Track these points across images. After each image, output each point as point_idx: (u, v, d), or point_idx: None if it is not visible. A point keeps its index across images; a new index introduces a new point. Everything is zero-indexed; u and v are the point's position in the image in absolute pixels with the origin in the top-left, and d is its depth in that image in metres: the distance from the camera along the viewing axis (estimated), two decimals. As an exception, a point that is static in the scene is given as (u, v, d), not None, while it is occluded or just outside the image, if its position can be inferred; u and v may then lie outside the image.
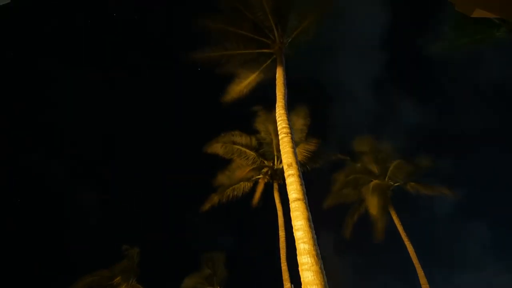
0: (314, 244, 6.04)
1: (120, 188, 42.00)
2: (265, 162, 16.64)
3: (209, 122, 38.52)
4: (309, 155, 15.68)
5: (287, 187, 7.18)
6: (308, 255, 5.84)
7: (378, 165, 18.48)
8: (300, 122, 15.73)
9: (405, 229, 16.91)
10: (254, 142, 16.49)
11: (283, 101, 9.22)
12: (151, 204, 41.50)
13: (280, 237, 14.67)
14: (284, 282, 13.68)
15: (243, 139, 16.31)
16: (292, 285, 13.45)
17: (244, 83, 11.91)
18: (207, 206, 16.62)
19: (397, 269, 36.37)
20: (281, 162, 14.85)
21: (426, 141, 36.68)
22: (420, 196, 18.29)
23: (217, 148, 16.25)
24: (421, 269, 15.58)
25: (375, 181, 17.83)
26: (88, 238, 33.49)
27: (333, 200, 18.43)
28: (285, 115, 8.75)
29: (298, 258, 5.97)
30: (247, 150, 16.23)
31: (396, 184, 18.16)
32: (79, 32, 33.63)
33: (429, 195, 18.08)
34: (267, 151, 16.84)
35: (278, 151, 15.35)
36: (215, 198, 16.54)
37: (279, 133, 8.50)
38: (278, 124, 8.70)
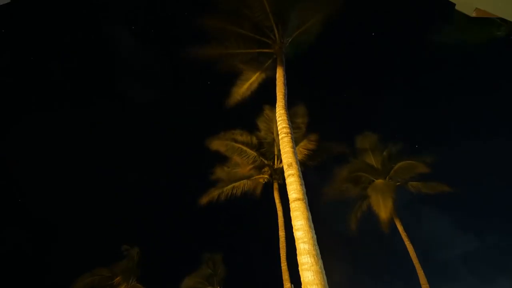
0: (314, 244, 6.03)
1: (120, 187, 42.08)
2: (265, 161, 16.63)
3: (210, 119, 38.50)
4: (309, 154, 15.67)
5: (287, 187, 7.17)
6: (308, 255, 5.83)
7: (380, 163, 18.36)
8: (298, 121, 15.72)
9: (405, 229, 16.88)
10: (254, 141, 16.47)
11: (283, 101, 9.20)
12: (151, 204, 41.57)
13: (280, 237, 14.65)
14: (284, 282, 13.67)
15: (243, 137, 16.29)
16: (292, 285, 13.44)
17: (246, 85, 11.89)
18: (205, 200, 16.55)
19: (397, 269, 36.38)
20: (281, 161, 14.85)
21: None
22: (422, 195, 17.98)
23: (219, 146, 16.25)
24: (421, 269, 15.55)
25: (378, 180, 17.67)
26: (88, 238, 33.59)
27: (333, 194, 18.15)
28: (285, 115, 8.74)
29: (298, 258, 5.96)
30: (248, 149, 16.20)
31: (397, 184, 18.02)
32: (76, 30, 33.66)
33: (430, 194, 17.84)
34: (267, 150, 16.84)
35: (279, 150, 15.35)
36: (214, 193, 16.49)
37: (279, 133, 8.48)
38: (278, 124, 8.68)
